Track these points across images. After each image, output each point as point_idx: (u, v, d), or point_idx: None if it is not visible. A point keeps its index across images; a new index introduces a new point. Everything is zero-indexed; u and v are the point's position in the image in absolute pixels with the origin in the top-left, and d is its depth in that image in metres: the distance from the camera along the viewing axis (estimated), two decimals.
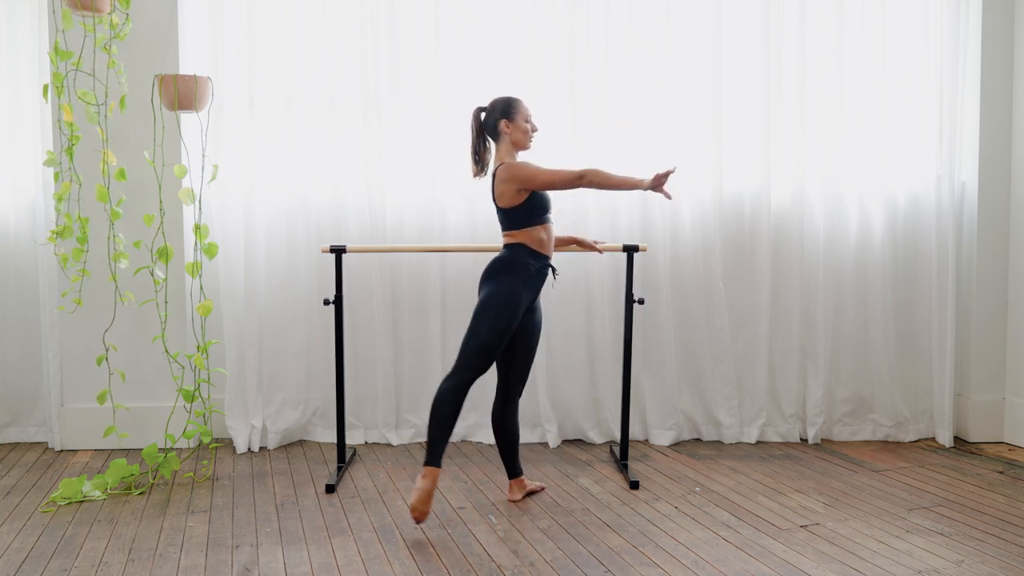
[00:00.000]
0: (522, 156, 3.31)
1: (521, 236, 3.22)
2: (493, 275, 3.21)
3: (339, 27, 4.10)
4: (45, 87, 3.57)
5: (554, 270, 3.32)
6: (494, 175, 3.23)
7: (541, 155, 4.09)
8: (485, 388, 4.18)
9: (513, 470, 3.40)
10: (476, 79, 4.12)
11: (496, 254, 3.29)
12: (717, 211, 4.18)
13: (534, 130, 3.30)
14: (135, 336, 3.99)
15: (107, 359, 3.68)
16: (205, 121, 3.83)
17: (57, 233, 3.58)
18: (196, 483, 3.62)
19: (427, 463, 3.06)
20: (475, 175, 3.35)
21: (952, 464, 3.92)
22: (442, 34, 4.10)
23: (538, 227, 3.23)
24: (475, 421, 4.24)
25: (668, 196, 3.20)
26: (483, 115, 3.30)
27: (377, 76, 4.09)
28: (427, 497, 3.02)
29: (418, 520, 3.03)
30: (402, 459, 3.96)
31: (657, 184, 3.12)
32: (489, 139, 3.31)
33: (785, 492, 3.51)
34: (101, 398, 3.64)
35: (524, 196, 3.19)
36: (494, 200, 3.26)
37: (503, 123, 3.24)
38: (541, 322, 3.39)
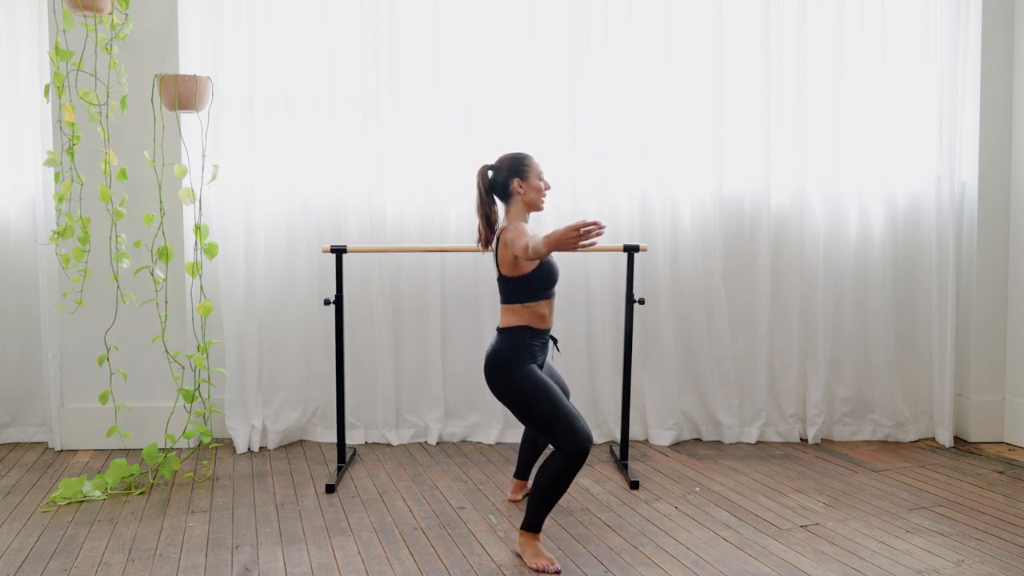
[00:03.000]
0: (533, 218, 3.00)
1: (523, 312, 2.86)
2: (500, 377, 2.82)
3: (339, 27, 4.10)
4: (47, 87, 3.57)
5: (555, 341, 3.10)
6: (497, 239, 2.89)
7: (542, 155, 4.10)
8: (487, 389, 4.19)
9: (523, 471, 3.40)
10: (476, 79, 4.12)
11: (493, 341, 2.90)
12: (717, 211, 4.18)
13: (547, 188, 2.96)
14: (135, 336, 3.99)
15: (108, 359, 3.68)
16: (205, 121, 3.84)
17: (58, 233, 3.58)
18: (196, 483, 3.62)
19: (532, 530, 2.82)
20: (481, 241, 2.95)
21: (952, 464, 3.92)
22: (442, 34, 4.11)
23: (542, 302, 2.89)
24: (475, 421, 4.24)
25: (590, 237, 2.50)
26: (490, 173, 2.96)
27: (377, 76, 4.09)
28: (542, 553, 2.80)
29: (556, 565, 2.75)
30: (402, 459, 3.96)
31: (574, 237, 2.49)
32: (497, 199, 2.97)
33: (785, 492, 3.51)
34: (103, 398, 3.63)
35: (530, 266, 2.83)
36: (497, 267, 2.89)
37: (516, 182, 2.90)
38: (558, 370, 3.23)
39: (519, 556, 2.83)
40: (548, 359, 3.08)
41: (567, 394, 3.13)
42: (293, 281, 4.18)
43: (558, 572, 2.73)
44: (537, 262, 2.83)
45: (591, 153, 4.15)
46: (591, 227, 2.47)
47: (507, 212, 2.94)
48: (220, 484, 3.61)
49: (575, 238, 2.48)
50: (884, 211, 4.25)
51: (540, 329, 2.90)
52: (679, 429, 4.23)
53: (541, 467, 2.79)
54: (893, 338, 4.28)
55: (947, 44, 4.19)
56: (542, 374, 2.86)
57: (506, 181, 2.91)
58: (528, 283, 2.86)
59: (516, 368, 2.81)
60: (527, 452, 3.37)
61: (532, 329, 2.88)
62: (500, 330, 2.90)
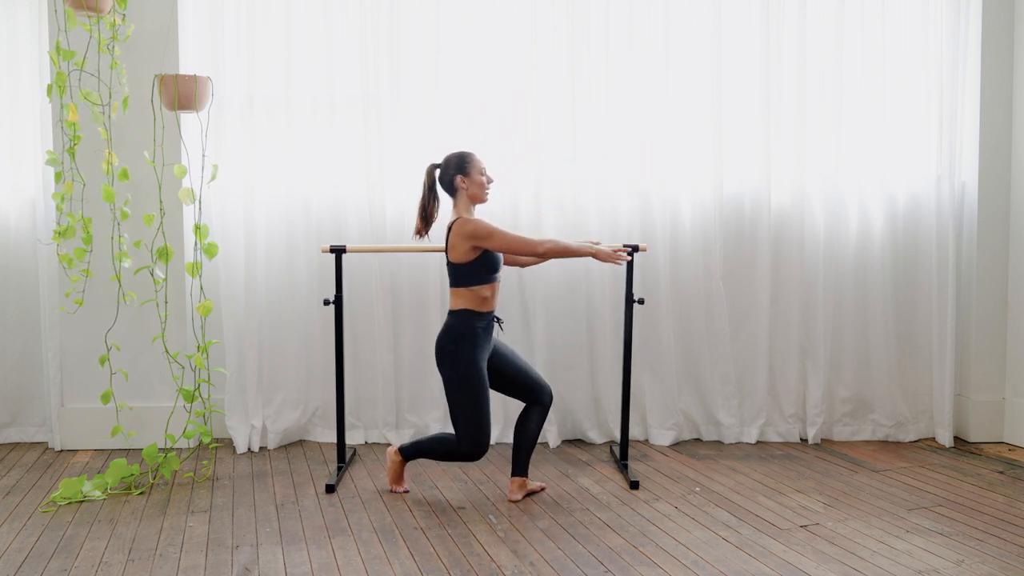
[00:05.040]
0: (477, 211, 3.37)
1: (466, 296, 3.26)
2: (446, 352, 3.27)
3: (339, 27, 4.10)
4: (49, 87, 3.57)
5: (499, 320, 3.39)
6: (449, 228, 3.26)
7: (542, 155, 4.11)
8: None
9: (517, 468, 3.40)
10: (476, 79, 4.12)
11: (443, 322, 3.34)
12: (717, 211, 4.18)
13: (490, 182, 3.33)
14: (135, 336, 3.99)
15: (108, 359, 3.68)
16: (205, 121, 3.83)
17: (60, 233, 3.58)
18: (196, 483, 3.62)
19: (406, 456, 3.47)
20: (418, 232, 3.39)
21: (952, 464, 3.92)
22: (442, 34, 4.10)
23: (484, 286, 3.27)
24: None
25: (619, 261, 3.36)
26: (437, 171, 3.34)
27: (377, 76, 4.09)
28: (397, 475, 3.49)
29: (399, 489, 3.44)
30: None
31: (609, 258, 3.30)
32: (439, 195, 3.37)
33: (785, 492, 3.51)
34: (105, 398, 3.63)
35: (476, 254, 3.23)
36: (446, 253, 3.29)
37: (459, 179, 3.28)
38: (508, 347, 3.49)
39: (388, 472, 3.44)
40: (495, 336, 3.41)
41: (521, 364, 3.45)
42: (293, 281, 4.18)
43: (406, 492, 3.39)
44: (480, 252, 3.23)
45: (591, 153, 4.14)
46: (621, 255, 3.34)
47: (455, 206, 3.32)
48: (220, 484, 3.61)
49: (611, 258, 3.30)
50: (884, 211, 4.25)
51: (482, 312, 3.28)
52: (679, 429, 4.23)
53: (434, 436, 3.40)
54: (893, 338, 4.28)
55: (947, 44, 4.19)
56: (483, 373, 3.26)
57: (451, 178, 3.29)
58: (471, 269, 3.25)
59: (461, 354, 3.23)
60: (520, 447, 3.39)
61: (475, 312, 3.27)
62: (450, 312, 3.32)
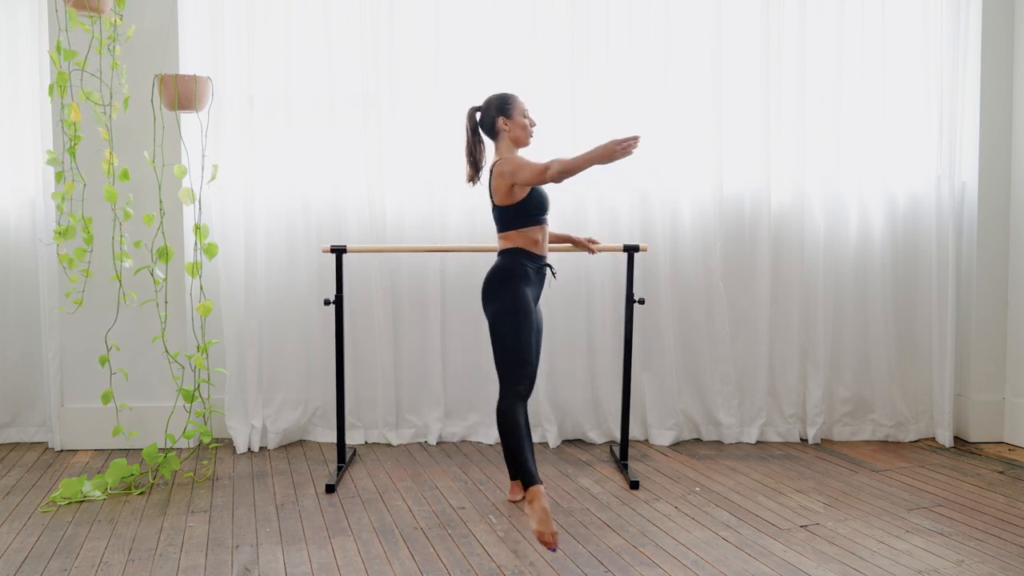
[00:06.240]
0: (521, 152, 3.19)
1: (516, 237, 3.11)
2: (495, 288, 3.08)
3: (339, 27, 4.10)
4: (51, 87, 3.57)
5: (552, 269, 3.23)
6: (491, 171, 3.14)
7: (542, 155, 4.10)
8: (487, 389, 4.19)
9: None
10: (476, 79, 4.11)
11: (492, 263, 3.16)
12: (717, 211, 4.18)
13: (532, 125, 3.19)
14: (135, 336, 3.99)
15: (109, 359, 3.68)
16: (205, 121, 3.83)
17: (61, 233, 3.58)
18: (196, 483, 3.62)
19: (528, 484, 2.82)
20: (469, 179, 3.22)
21: (952, 464, 3.92)
22: (442, 34, 4.11)
23: (534, 227, 3.12)
24: (475, 421, 4.24)
25: (630, 151, 2.77)
26: (478, 114, 3.20)
27: (377, 76, 4.09)
28: (549, 516, 2.74)
29: (554, 544, 2.71)
30: (402, 459, 3.96)
31: (617, 150, 2.76)
32: (484, 139, 3.22)
33: (785, 492, 3.51)
34: (106, 397, 3.63)
35: (521, 194, 3.06)
36: (491, 197, 3.16)
37: (500, 120, 3.13)
38: (543, 323, 3.29)
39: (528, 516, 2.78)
40: (545, 288, 3.22)
41: (540, 331, 3.21)
42: (293, 281, 4.18)
43: (553, 551, 2.73)
44: (528, 190, 3.04)
45: None
46: (630, 140, 2.76)
47: (496, 149, 3.17)
48: (220, 484, 3.61)
49: (615, 150, 2.76)
50: (884, 211, 4.25)
51: (534, 253, 3.12)
52: (679, 429, 4.23)
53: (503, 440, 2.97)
54: (893, 338, 4.28)
55: (947, 44, 4.19)
56: (532, 310, 3.05)
57: (492, 120, 3.14)
58: (520, 210, 3.08)
59: (512, 286, 3.05)
60: None
61: (526, 252, 3.11)
62: (499, 253, 3.15)
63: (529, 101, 4.07)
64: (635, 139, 2.75)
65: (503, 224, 3.14)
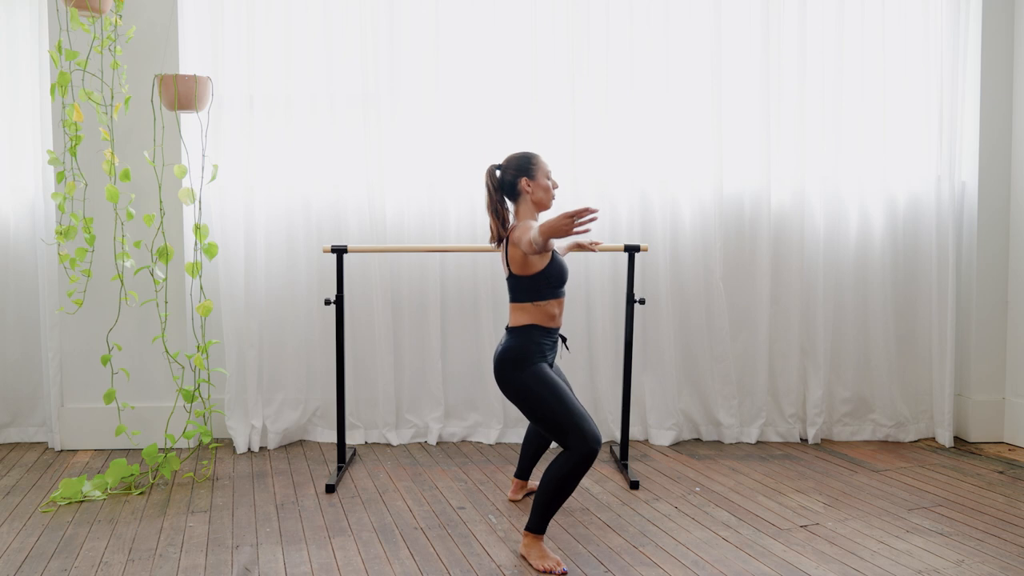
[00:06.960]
0: (542, 216, 2.99)
1: (533, 311, 2.86)
2: (508, 374, 2.84)
3: (339, 27, 4.10)
4: (53, 87, 3.57)
5: (564, 340, 3.07)
6: (507, 238, 2.89)
7: (541, 154, 4.10)
8: (487, 389, 4.19)
9: (524, 471, 3.40)
10: (476, 79, 4.12)
11: (503, 340, 2.91)
12: (717, 211, 4.18)
13: (555, 187, 2.96)
14: (135, 336, 3.99)
15: (110, 359, 3.68)
16: (205, 121, 3.84)
17: (62, 233, 3.59)
18: (196, 483, 3.62)
19: (539, 532, 2.80)
20: (494, 239, 2.93)
21: (952, 464, 3.92)
22: (442, 34, 4.11)
23: (551, 301, 2.89)
24: (475, 421, 4.24)
25: (584, 224, 2.53)
26: (498, 172, 2.96)
27: (377, 76, 4.09)
28: (548, 552, 2.79)
29: (562, 567, 2.73)
30: (402, 459, 3.96)
31: (569, 223, 2.50)
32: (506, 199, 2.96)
33: (785, 492, 3.51)
34: (108, 397, 3.63)
35: (540, 264, 2.82)
36: (506, 265, 2.90)
37: (523, 181, 2.90)
38: (563, 371, 3.19)
39: (524, 558, 2.81)
40: (556, 358, 3.06)
41: (568, 384, 3.07)
42: (293, 281, 4.18)
43: (564, 573, 2.72)
44: (547, 260, 2.83)
45: (591, 153, 4.14)
46: (583, 212, 2.48)
47: (516, 212, 2.94)
48: (220, 484, 3.61)
49: (568, 225, 2.49)
50: (884, 211, 4.25)
51: (550, 328, 2.91)
52: (679, 429, 4.23)
53: (548, 468, 2.78)
54: (893, 338, 4.28)
55: (947, 44, 4.19)
56: (552, 373, 2.87)
57: (514, 180, 2.91)
58: (537, 282, 2.85)
59: (527, 366, 2.82)
60: (528, 452, 3.37)
61: (542, 328, 2.88)
62: (510, 329, 2.90)
63: (529, 101, 4.12)
64: (585, 210, 2.49)
65: (518, 294, 2.89)
